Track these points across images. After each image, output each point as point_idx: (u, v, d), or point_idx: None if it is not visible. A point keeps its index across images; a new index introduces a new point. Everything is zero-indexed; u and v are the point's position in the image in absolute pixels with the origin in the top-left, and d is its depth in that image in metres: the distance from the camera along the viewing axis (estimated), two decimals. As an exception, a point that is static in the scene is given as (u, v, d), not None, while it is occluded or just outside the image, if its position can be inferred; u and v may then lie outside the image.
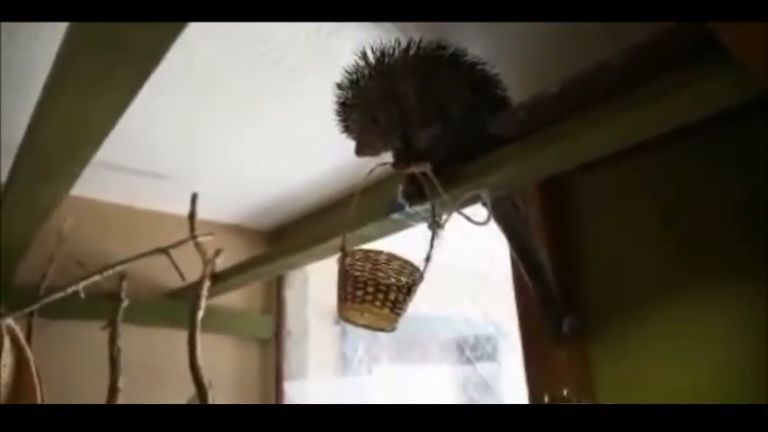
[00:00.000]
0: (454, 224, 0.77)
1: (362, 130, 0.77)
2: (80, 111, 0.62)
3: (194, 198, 1.36)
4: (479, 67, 0.81)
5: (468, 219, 0.74)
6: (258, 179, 1.46)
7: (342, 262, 0.73)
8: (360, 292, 0.69)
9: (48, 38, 0.85)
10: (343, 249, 0.74)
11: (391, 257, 0.75)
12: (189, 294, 1.32)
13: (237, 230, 1.77)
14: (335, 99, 0.80)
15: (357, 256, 0.75)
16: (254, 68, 0.96)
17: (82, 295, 1.16)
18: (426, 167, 0.76)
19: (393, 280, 0.74)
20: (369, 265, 0.74)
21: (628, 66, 0.63)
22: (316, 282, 1.75)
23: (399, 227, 0.91)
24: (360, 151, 0.77)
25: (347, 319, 0.72)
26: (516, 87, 0.85)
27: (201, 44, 0.89)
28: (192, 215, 1.35)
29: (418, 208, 0.82)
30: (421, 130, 0.78)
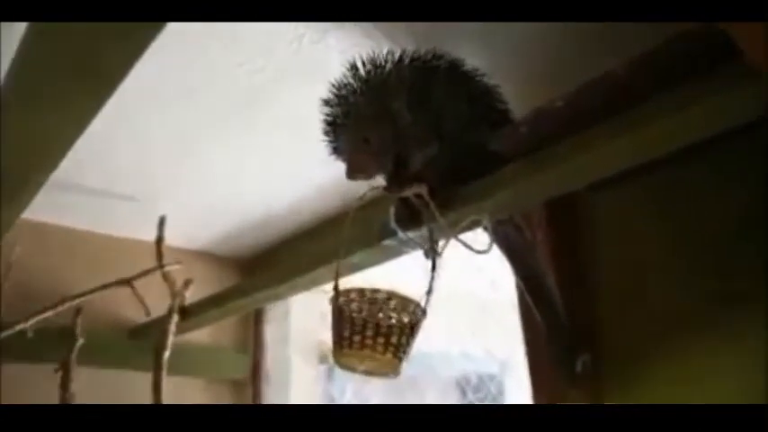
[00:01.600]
0: (452, 249, 0.77)
1: (353, 151, 0.78)
2: (37, 126, 0.62)
3: (162, 222, 1.35)
4: (478, 78, 0.83)
5: (468, 246, 0.74)
6: (233, 201, 1.46)
7: (335, 302, 0.73)
8: (358, 338, 0.69)
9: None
10: (336, 288, 0.74)
11: (390, 295, 0.74)
12: (154, 331, 1.30)
13: (210, 258, 1.76)
14: (323, 117, 0.81)
15: (352, 295, 0.75)
16: (228, 80, 0.97)
17: (30, 334, 1.13)
18: (421, 189, 0.77)
19: (394, 321, 0.73)
20: (366, 305, 0.74)
21: (635, 76, 0.64)
22: (298, 314, 1.74)
23: (392, 254, 0.91)
24: (351, 175, 0.77)
25: (344, 366, 0.72)
26: (517, 101, 0.87)
27: (171, 54, 0.90)
28: (159, 241, 1.34)
29: (412, 234, 0.82)
30: (416, 150, 0.80)
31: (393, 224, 0.83)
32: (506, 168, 0.76)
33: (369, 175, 0.80)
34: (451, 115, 0.79)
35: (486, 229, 0.78)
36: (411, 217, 0.81)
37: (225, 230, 1.62)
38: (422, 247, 0.80)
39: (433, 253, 0.77)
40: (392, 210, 0.84)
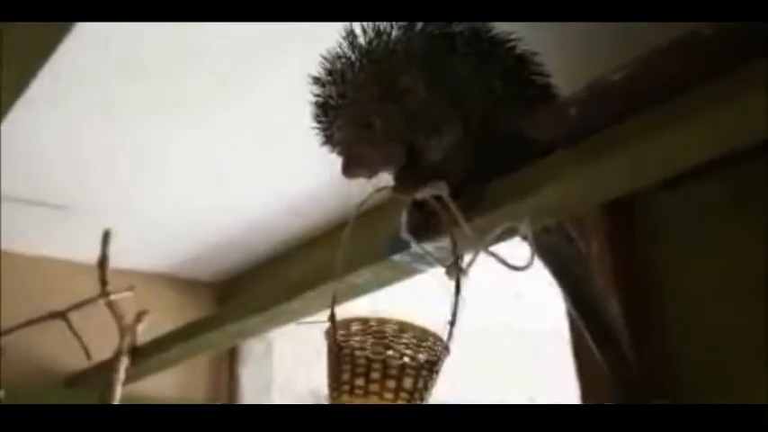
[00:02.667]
0: (482, 265, 0.77)
1: (352, 140, 0.79)
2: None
3: (107, 237, 1.36)
4: (511, 46, 0.83)
5: (503, 261, 0.74)
6: (199, 212, 1.47)
7: (332, 336, 0.73)
8: (361, 381, 0.69)
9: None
10: (332, 318, 0.74)
11: (402, 327, 0.74)
12: (98, 379, 1.31)
13: (170, 283, 1.77)
14: (313, 98, 0.81)
15: (353, 327, 0.74)
16: (189, 76, 1.02)
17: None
18: (441, 189, 0.77)
19: (407, 359, 0.73)
20: (370, 340, 0.74)
21: (726, 40, 0.63)
22: (283, 353, 1.74)
23: (404, 273, 0.91)
24: (348, 170, 0.78)
25: None
26: (562, 75, 0.86)
27: (119, 42, 0.95)
28: (102, 262, 1.35)
29: (430, 246, 0.83)
30: (432, 139, 0.80)
31: (405, 234, 0.83)
32: (551, 159, 0.75)
33: (371, 171, 0.80)
34: (477, 93, 0.80)
35: (525, 239, 0.77)
36: (428, 224, 0.81)
37: (191, 247, 1.64)
38: (442, 264, 0.79)
39: (457, 271, 0.76)
40: (404, 216, 0.84)
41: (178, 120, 1.17)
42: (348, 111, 0.80)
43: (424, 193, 0.78)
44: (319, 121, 0.83)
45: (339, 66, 0.80)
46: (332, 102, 0.81)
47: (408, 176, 0.80)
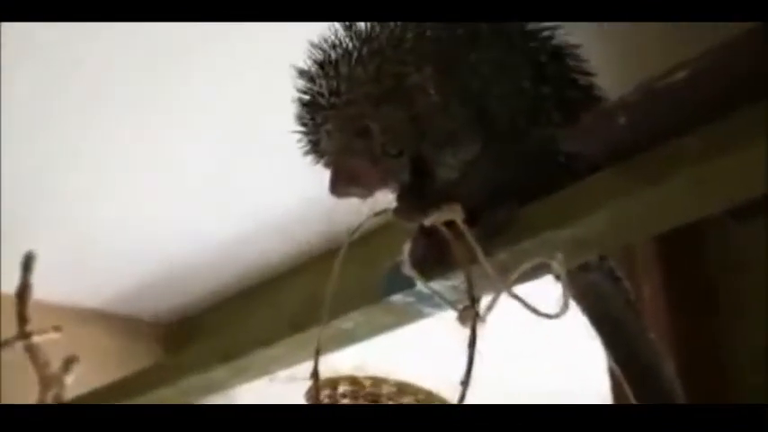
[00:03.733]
0: (504, 310, 0.77)
1: (343, 149, 0.80)
2: None
3: (28, 262, 1.37)
4: (545, 36, 0.84)
5: (530, 307, 0.74)
6: (145, 234, 1.50)
7: (314, 399, 0.75)
8: None
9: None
10: (315, 374, 0.75)
11: (402, 388, 0.77)
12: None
13: (112, 322, 1.79)
14: (298, 96, 0.83)
15: (341, 388, 0.77)
16: (134, 70, 1.08)
17: None
18: (455, 214, 0.77)
19: None
20: (362, 402, 0.77)
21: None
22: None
23: (405, 317, 0.92)
24: (338, 187, 0.79)
25: None
26: (608, 75, 0.87)
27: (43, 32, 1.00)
28: (22, 293, 1.36)
29: (438, 284, 0.83)
30: (445, 151, 0.81)
31: (408, 269, 0.83)
32: (594, 180, 0.75)
33: (368, 190, 0.81)
34: (502, 95, 0.80)
35: (559, 278, 0.77)
36: (437, 258, 0.81)
37: (136, 279, 1.66)
38: (454, 307, 0.80)
39: (472, 317, 0.77)
40: (407, 246, 0.84)
41: (120, 122, 1.22)
42: (340, 112, 0.80)
43: (433, 219, 0.78)
44: (303, 124, 0.83)
45: (333, 56, 0.81)
46: (321, 100, 0.81)
47: (414, 197, 0.81)
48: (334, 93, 0.81)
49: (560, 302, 0.75)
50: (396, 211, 0.82)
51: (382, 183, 0.82)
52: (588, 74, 0.86)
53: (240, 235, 1.51)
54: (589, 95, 0.86)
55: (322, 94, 0.81)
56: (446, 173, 0.82)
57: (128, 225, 1.49)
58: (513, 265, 0.78)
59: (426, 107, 0.79)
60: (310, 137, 0.84)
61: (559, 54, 0.85)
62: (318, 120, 0.82)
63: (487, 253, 0.76)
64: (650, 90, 0.74)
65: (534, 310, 0.74)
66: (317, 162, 0.84)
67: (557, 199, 0.78)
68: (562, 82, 0.84)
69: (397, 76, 0.79)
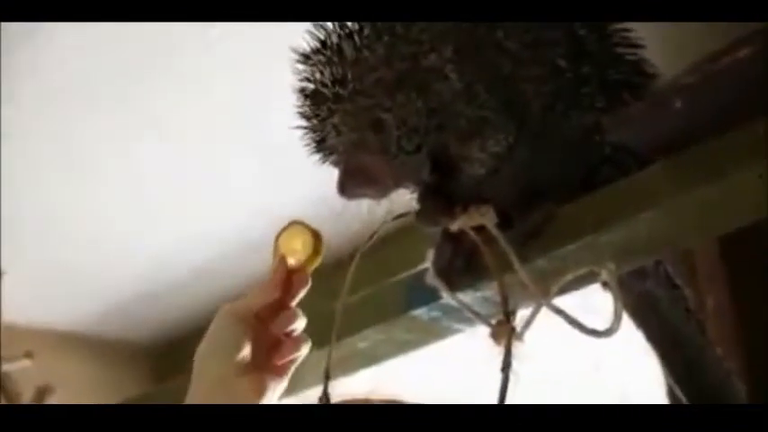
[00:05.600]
0: (543, 325, 0.77)
1: (354, 145, 0.78)
2: None
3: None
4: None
5: (575, 323, 0.73)
6: (130, 247, 1.48)
7: None
8: None
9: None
10: (325, 397, 0.76)
11: None
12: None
13: (94, 345, 1.76)
14: (300, 87, 0.80)
15: None
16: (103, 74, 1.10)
17: None
18: (485, 216, 0.76)
19: None
20: None
21: None
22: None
23: (429, 334, 0.92)
24: (348, 188, 0.77)
25: None
26: (660, 54, 0.84)
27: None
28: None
29: (468, 296, 0.82)
30: (471, 144, 0.79)
31: (432, 279, 0.83)
32: (646, 175, 0.74)
33: (383, 191, 0.80)
34: (535, 78, 0.79)
35: (608, 287, 0.75)
36: (466, 266, 0.81)
37: (120, 299, 1.63)
38: (486, 322, 0.78)
39: (507, 333, 0.74)
40: (430, 254, 0.84)
41: (94, 136, 1.23)
42: (349, 103, 0.78)
43: (460, 223, 0.78)
44: (307, 118, 0.81)
45: (337, 39, 0.78)
46: (326, 90, 0.78)
47: (437, 198, 0.80)
48: (340, 81, 0.78)
49: (611, 316, 0.73)
50: (418, 214, 0.81)
51: (398, 182, 0.80)
52: (637, 46, 0.83)
53: (234, 249, 1.50)
54: (638, 75, 0.83)
55: (325, 84, 0.79)
56: (472, 169, 0.80)
57: (108, 241, 1.48)
58: (552, 273, 0.77)
59: (446, 94, 0.77)
60: (316, 133, 0.81)
61: (602, 32, 0.82)
62: (324, 113, 0.79)
63: (523, 260, 0.75)
64: (708, 70, 0.73)
65: (581, 327, 0.73)
66: (324, 161, 0.82)
67: (601, 197, 0.77)
68: (605, 60, 0.82)
69: (410, 57, 0.77)
